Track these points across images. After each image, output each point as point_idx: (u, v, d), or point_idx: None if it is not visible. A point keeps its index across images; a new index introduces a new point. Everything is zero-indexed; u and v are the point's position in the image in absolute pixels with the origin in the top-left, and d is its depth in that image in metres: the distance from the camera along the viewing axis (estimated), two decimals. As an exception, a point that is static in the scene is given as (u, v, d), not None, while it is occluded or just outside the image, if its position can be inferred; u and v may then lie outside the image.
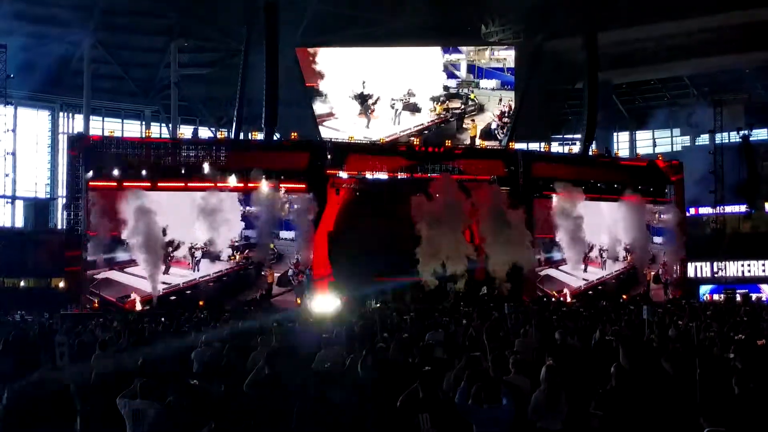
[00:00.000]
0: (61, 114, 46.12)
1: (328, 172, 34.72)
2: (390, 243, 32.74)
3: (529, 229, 35.27)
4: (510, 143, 38.90)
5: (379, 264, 32.46)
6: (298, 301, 32.59)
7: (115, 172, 32.05)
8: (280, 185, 32.69)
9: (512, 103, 39.27)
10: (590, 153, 39.62)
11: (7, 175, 39.00)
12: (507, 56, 39.77)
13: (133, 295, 30.84)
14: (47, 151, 45.80)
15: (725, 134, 44.30)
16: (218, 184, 32.06)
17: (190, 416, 6.67)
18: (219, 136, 39.94)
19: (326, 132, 37.41)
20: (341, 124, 37.50)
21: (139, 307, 30.20)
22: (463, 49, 39.57)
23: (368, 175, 35.55)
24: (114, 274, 31.12)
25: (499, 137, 39.21)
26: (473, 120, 39.28)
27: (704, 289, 41.91)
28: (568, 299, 35.49)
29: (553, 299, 35.24)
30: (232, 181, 32.64)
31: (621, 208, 37.74)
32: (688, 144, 49.68)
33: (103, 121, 46.17)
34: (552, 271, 36.93)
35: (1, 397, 7.10)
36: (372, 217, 33.51)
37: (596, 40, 37.87)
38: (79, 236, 32.29)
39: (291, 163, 34.00)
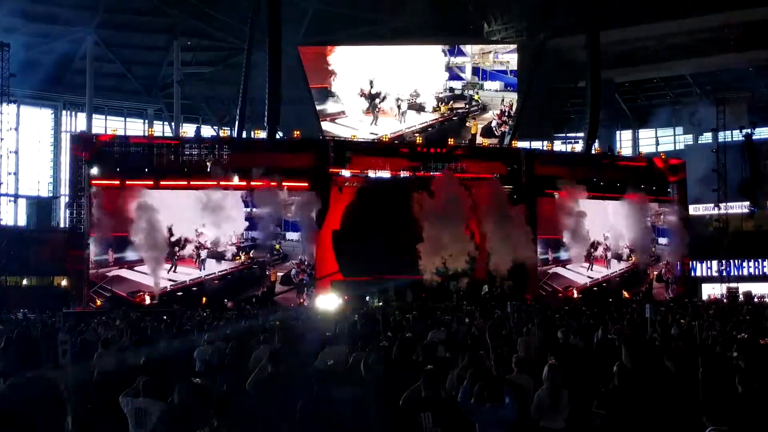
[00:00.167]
0: (63, 112, 46.23)
1: (330, 170, 34.72)
2: (392, 241, 32.74)
3: (531, 227, 35.35)
4: (513, 142, 38.94)
5: (381, 262, 32.50)
6: (302, 300, 32.75)
7: (118, 171, 32.13)
8: (283, 184, 32.68)
9: (513, 103, 39.38)
10: (593, 151, 39.60)
11: (9, 174, 39.01)
12: (510, 59, 40.06)
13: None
14: (50, 150, 45.90)
15: (728, 133, 44.18)
16: (220, 183, 32.10)
17: (192, 415, 6.67)
18: (221, 134, 40.04)
19: (334, 129, 37.49)
20: (349, 121, 37.67)
21: (148, 301, 31.00)
22: (468, 51, 39.72)
23: (371, 174, 35.59)
24: (124, 272, 31.76)
25: (497, 134, 39.33)
26: (474, 118, 39.46)
27: (707, 288, 42.02)
28: (575, 295, 36.36)
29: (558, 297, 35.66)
30: (235, 179, 32.65)
31: (624, 207, 37.82)
32: (691, 143, 49.63)
33: (105, 119, 46.27)
34: (560, 269, 37.55)
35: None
36: (374, 216, 33.55)
37: (599, 38, 37.85)
38: (81, 234, 32.39)
39: (293, 161, 33.99)
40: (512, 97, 39.57)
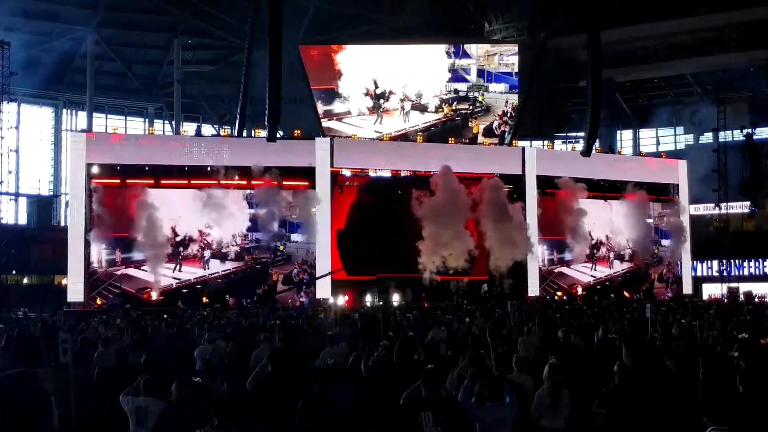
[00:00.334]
0: (64, 111, 46.21)
1: (331, 169, 34.72)
2: (392, 240, 32.78)
3: (532, 226, 35.48)
4: (513, 141, 38.96)
5: (382, 261, 32.56)
6: (300, 299, 32.93)
7: (118, 169, 32.18)
8: (283, 182, 32.70)
9: (515, 103, 39.44)
10: (593, 151, 39.60)
11: (10, 172, 39.02)
12: (515, 61, 40.17)
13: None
14: (50, 148, 45.90)
15: (729, 132, 44.20)
16: (221, 182, 32.15)
17: (192, 414, 6.67)
18: (222, 133, 40.03)
19: (340, 127, 37.54)
20: (354, 119, 37.76)
21: (154, 296, 31.60)
22: (473, 53, 39.76)
23: (371, 173, 35.62)
24: (132, 271, 32.37)
25: (496, 133, 39.40)
26: (477, 118, 39.53)
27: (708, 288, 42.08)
28: (580, 292, 37.10)
29: (557, 297, 35.76)
30: (235, 178, 32.67)
31: (624, 206, 37.88)
32: (692, 142, 49.59)
33: (106, 118, 46.28)
34: (565, 269, 38.15)
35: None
36: (374, 214, 33.60)
37: (599, 37, 37.84)
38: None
39: (294, 160, 34.01)
40: (515, 98, 39.69)
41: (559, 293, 36.67)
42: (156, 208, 31.12)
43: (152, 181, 32.31)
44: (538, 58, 40.92)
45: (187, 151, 33.88)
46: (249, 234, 33.28)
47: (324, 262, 33.77)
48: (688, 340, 11.19)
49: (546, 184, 37.02)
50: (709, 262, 43.99)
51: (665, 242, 39.96)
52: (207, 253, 32.82)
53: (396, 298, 33.10)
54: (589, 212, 36.49)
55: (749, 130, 43.91)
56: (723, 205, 42.45)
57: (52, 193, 44.95)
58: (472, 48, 40.01)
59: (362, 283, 33.69)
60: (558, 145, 46.63)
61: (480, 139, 39.21)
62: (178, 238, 32.40)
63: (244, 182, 32.82)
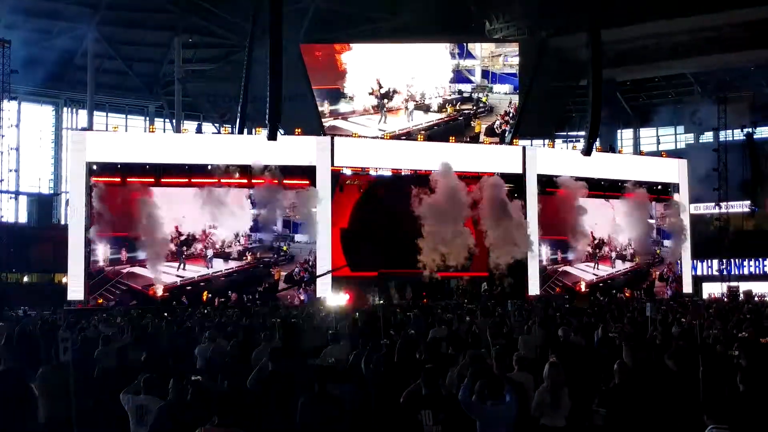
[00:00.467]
0: (64, 109, 46.20)
1: (332, 168, 34.69)
2: (393, 238, 32.77)
3: (533, 226, 35.49)
4: (514, 140, 38.95)
5: (382, 260, 32.58)
6: (299, 298, 33.01)
7: (118, 168, 32.18)
8: (284, 181, 32.70)
9: (517, 103, 39.45)
10: (594, 150, 39.58)
11: (10, 171, 39.03)
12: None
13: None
14: (51, 147, 45.90)
15: (729, 132, 44.19)
16: (222, 180, 32.15)
17: (193, 412, 6.68)
18: (223, 131, 40.00)
19: (344, 125, 37.53)
20: (359, 118, 37.78)
21: (160, 293, 31.76)
22: (477, 54, 39.73)
23: (372, 172, 35.61)
24: (137, 269, 32.43)
25: (497, 132, 39.41)
26: (479, 118, 39.53)
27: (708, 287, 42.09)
28: (583, 289, 37.36)
29: (556, 290, 36.17)
30: (236, 177, 32.68)
31: (625, 205, 37.91)
32: (692, 142, 49.61)
33: (106, 116, 46.24)
34: (569, 268, 38.19)
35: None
36: (375, 213, 33.59)
37: (600, 36, 37.83)
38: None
39: (294, 159, 34.00)
40: (517, 98, 39.70)
41: (557, 288, 36.78)
42: (157, 207, 31.14)
43: (153, 180, 32.28)
44: (539, 57, 40.90)
45: (188, 149, 33.87)
46: (252, 234, 33.31)
47: (324, 260, 33.77)
48: (688, 339, 11.19)
49: (546, 183, 37.04)
50: (709, 261, 43.99)
51: (667, 243, 39.95)
52: (210, 252, 32.84)
53: (396, 298, 33.07)
54: (590, 211, 36.52)
55: (750, 130, 43.93)
56: (723, 204, 42.41)
57: (52, 192, 44.96)
58: (476, 49, 39.98)
59: (363, 282, 33.66)
60: (559, 144, 46.60)
61: (482, 138, 39.21)
62: (182, 237, 32.47)
63: (245, 181, 32.83)
